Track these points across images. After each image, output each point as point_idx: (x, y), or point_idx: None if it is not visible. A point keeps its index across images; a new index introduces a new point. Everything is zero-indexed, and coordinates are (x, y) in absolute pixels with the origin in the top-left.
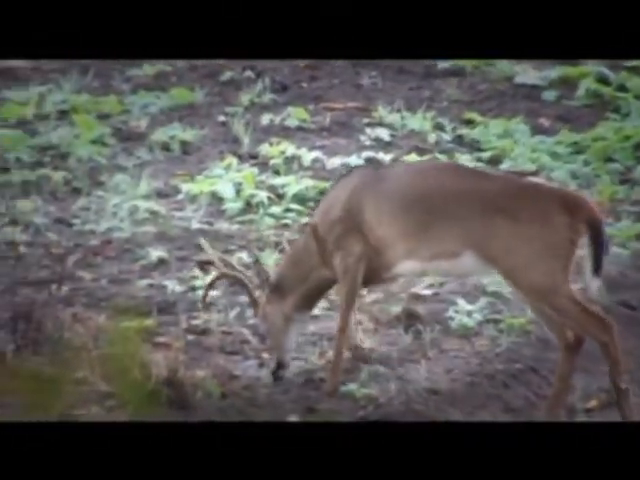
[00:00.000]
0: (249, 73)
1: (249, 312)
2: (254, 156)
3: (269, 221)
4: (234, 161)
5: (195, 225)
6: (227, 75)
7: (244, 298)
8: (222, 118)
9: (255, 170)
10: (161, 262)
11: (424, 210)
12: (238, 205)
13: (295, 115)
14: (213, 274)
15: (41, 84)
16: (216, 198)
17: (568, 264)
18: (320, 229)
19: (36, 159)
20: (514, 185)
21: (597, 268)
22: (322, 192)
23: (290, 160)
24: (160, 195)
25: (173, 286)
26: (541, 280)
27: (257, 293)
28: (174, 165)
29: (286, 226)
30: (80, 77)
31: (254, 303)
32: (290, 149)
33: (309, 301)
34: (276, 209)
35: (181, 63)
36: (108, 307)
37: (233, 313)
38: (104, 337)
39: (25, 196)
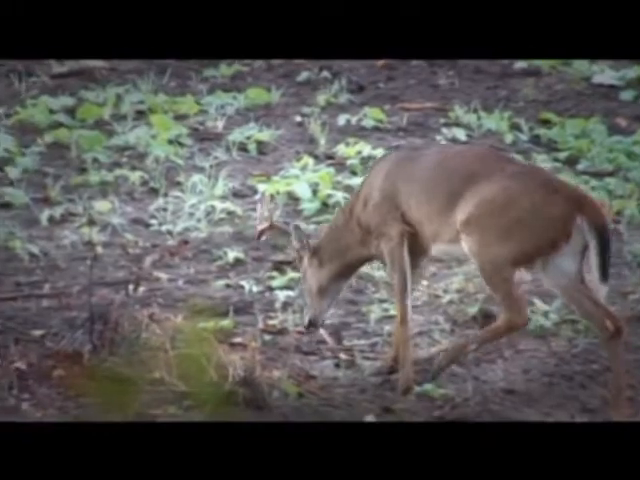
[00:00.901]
0: (325, 73)
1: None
2: (330, 156)
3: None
4: (310, 161)
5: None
6: (303, 75)
7: None
8: (298, 118)
9: (332, 170)
10: (238, 262)
11: (444, 192)
12: (315, 205)
13: (371, 115)
14: (264, 224)
15: (118, 85)
16: (293, 198)
17: (535, 259)
18: (362, 216)
19: (113, 160)
20: (528, 173)
21: (604, 274)
22: None
23: (366, 160)
24: (237, 195)
25: (250, 286)
26: (496, 254)
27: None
28: (251, 165)
29: None
30: (157, 78)
31: (297, 256)
32: (366, 149)
33: (344, 274)
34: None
35: (257, 63)
36: (185, 308)
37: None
38: (181, 338)
39: (103, 197)
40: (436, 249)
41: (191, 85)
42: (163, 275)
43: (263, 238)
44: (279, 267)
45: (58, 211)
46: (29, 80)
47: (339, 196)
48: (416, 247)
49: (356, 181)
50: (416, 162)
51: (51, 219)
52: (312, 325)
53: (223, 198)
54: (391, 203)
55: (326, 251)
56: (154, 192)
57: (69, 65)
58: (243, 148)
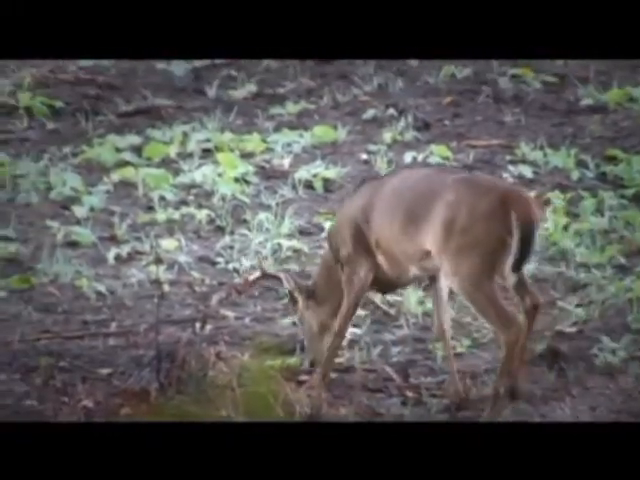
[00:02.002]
0: (391, 111)
1: (393, 349)
2: None
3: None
4: None
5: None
6: (370, 113)
7: (388, 336)
8: (364, 156)
9: None
10: None
11: (402, 213)
12: None
13: (438, 152)
14: (255, 274)
15: (185, 123)
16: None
17: (496, 261)
18: (333, 246)
19: (180, 198)
20: (461, 180)
21: (517, 266)
22: None
23: None
24: (303, 233)
25: None
26: (465, 273)
27: (297, 294)
28: (317, 203)
29: None
30: (223, 115)
31: (293, 300)
32: None
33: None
34: None
35: (324, 101)
36: (252, 345)
37: (376, 351)
38: (248, 375)
39: (169, 235)
40: (413, 269)
41: (257, 123)
42: (230, 313)
43: (253, 287)
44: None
45: (125, 249)
46: (95, 119)
47: None
48: (398, 273)
49: None
50: (381, 189)
51: (118, 257)
52: (313, 366)
53: (289, 236)
54: (362, 233)
55: (322, 289)
56: (220, 230)
57: (136, 104)
58: (309, 186)
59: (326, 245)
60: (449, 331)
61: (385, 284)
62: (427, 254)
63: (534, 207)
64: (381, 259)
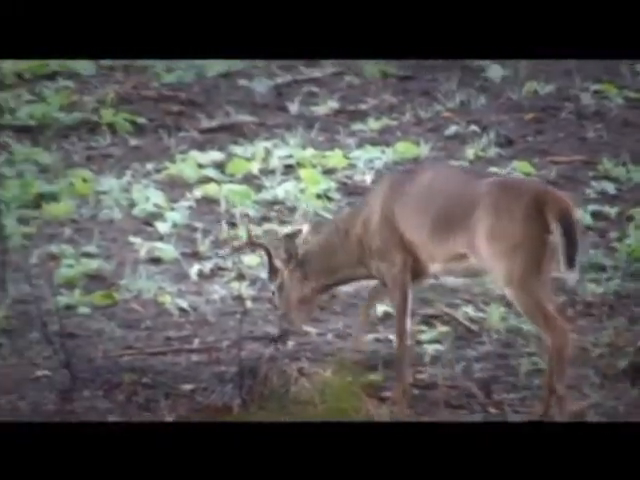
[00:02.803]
0: (474, 127)
1: (476, 366)
2: None
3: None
4: None
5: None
6: (452, 129)
7: (470, 352)
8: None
9: None
10: (387, 316)
11: (433, 215)
12: None
13: (520, 169)
14: (242, 241)
15: (267, 139)
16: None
17: (539, 261)
18: (363, 239)
19: (262, 214)
20: (496, 183)
21: (569, 261)
22: None
23: None
24: None
25: None
26: (511, 275)
27: (278, 263)
28: None
29: None
30: (306, 132)
31: (272, 270)
32: None
33: (331, 287)
34: None
35: (406, 117)
36: (334, 362)
37: (459, 367)
38: (330, 392)
39: (252, 251)
40: (434, 269)
41: (339, 139)
42: (312, 329)
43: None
44: (428, 321)
45: (207, 266)
46: (178, 135)
47: None
48: (416, 268)
49: None
50: (408, 185)
51: (201, 274)
52: (282, 337)
53: None
54: (391, 227)
55: (314, 265)
56: None
57: (218, 120)
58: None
59: (331, 229)
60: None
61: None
62: (460, 257)
63: (566, 202)
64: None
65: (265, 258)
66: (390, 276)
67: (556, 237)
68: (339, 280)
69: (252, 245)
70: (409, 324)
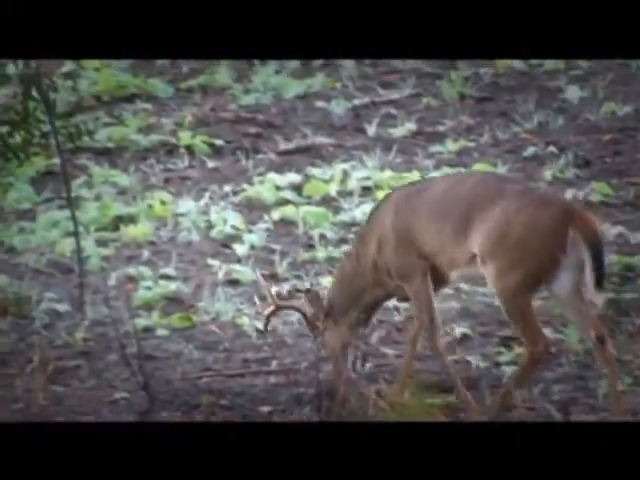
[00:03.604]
0: (552, 148)
1: (554, 388)
2: None
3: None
4: None
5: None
6: (530, 150)
7: (549, 373)
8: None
9: None
10: (465, 338)
11: (452, 220)
12: None
13: (598, 190)
14: (270, 307)
15: (344, 161)
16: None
17: (542, 278)
18: (378, 259)
19: (340, 236)
20: (521, 193)
21: (598, 282)
22: (626, 267)
23: None
24: None
25: (477, 362)
26: (508, 284)
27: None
28: None
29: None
30: (383, 154)
31: (312, 326)
32: None
33: (364, 319)
34: None
35: (484, 139)
36: (412, 383)
37: (537, 389)
38: (408, 413)
39: (329, 273)
40: (455, 275)
41: (417, 161)
42: (390, 351)
43: (270, 322)
44: (506, 343)
45: (285, 287)
46: (256, 157)
47: None
48: (436, 278)
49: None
50: (421, 196)
51: (279, 295)
52: (331, 396)
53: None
54: (407, 242)
55: (339, 305)
56: None
57: (296, 142)
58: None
59: (342, 261)
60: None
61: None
62: (472, 258)
63: (594, 222)
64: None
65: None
66: (413, 292)
67: (583, 256)
68: (365, 308)
69: (282, 308)
70: (440, 338)
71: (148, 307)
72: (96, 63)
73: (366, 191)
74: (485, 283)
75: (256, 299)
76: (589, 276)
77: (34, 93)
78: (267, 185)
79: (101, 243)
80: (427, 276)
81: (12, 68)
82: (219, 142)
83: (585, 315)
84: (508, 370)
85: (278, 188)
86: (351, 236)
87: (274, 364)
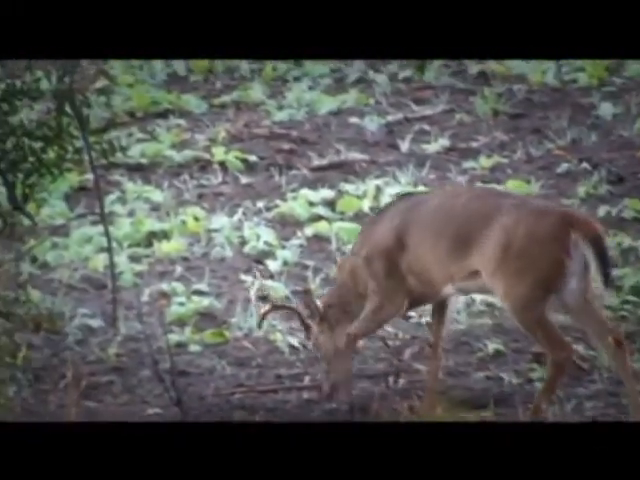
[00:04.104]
0: (585, 165)
1: (586, 404)
2: None
3: (606, 313)
4: None
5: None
6: (563, 167)
7: (581, 390)
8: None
9: None
10: (498, 354)
11: (449, 235)
12: None
13: (632, 206)
14: (266, 306)
15: (378, 177)
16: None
17: (551, 285)
18: (362, 274)
19: None
20: (519, 204)
21: (606, 280)
22: None
23: (627, 252)
24: None
25: (510, 378)
26: (517, 296)
27: (309, 320)
28: None
29: (624, 318)
30: (416, 169)
31: (306, 328)
32: (627, 241)
33: None
34: (613, 301)
35: (517, 155)
36: (445, 399)
37: (570, 405)
38: None
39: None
40: (450, 289)
41: (450, 177)
42: (423, 367)
43: (264, 319)
44: (539, 359)
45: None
46: (289, 173)
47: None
48: (428, 292)
49: (616, 273)
50: (415, 210)
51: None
52: (335, 390)
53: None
54: (394, 263)
55: (336, 311)
56: None
57: (329, 158)
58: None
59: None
60: (441, 351)
61: (409, 303)
62: (474, 274)
63: (594, 223)
64: (412, 280)
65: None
66: (382, 307)
67: (588, 258)
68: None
69: (278, 308)
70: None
71: (181, 323)
72: (130, 79)
73: None
74: (481, 294)
75: (253, 297)
76: (597, 275)
77: (67, 109)
78: (300, 201)
79: (134, 259)
80: (406, 298)
81: (46, 84)
82: (252, 158)
83: (600, 322)
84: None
85: (311, 204)
86: None
87: (307, 380)
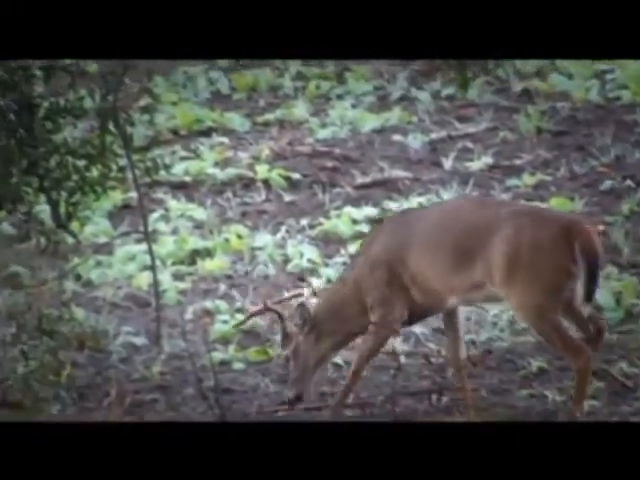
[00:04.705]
0: (629, 182)
1: (631, 421)
2: (635, 265)
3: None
4: (614, 270)
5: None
6: (607, 184)
7: (626, 408)
8: (601, 227)
9: (635, 279)
10: (541, 372)
11: (450, 247)
12: (618, 315)
13: None
14: (257, 307)
15: (421, 194)
16: (597, 308)
17: (560, 292)
18: (364, 285)
19: None
20: (520, 212)
21: (588, 296)
22: None
23: None
24: None
25: (553, 396)
26: (531, 304)
27: (292, 329)
28: None
29: None
30: (460, 187)
31: (286, 336)
32: None
33: (344, 344)
34: None
35: (560, 173)
36: (488, 417)
37: (614, 419)
38: None
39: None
40: (453, 300)
41: (494, 194)
42: (466, 385)
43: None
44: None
45: None
46: (332, 191)
47: None
48: (432, 304)
49: None
50: (414, 225)
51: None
52: (299, 399)
53: None
54: (394, 275)
55: (327, 324)
56: None
57: (372, 176)
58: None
59: (335, 285)
60: (463, 360)
61: (415, 315)
62: (478, 286)
63: (595, 236)
64: (415, 292)
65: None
66: (384, 321)
67: (578, 269)
68: (353, 333)
69: (267, 310)
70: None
71: (225, 341)
72: (173, 97)
73: None
74: (486, 304)
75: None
76: (581, 287)
77: (111, 127)
78: (344, 219)
79: (178, 277)
80: (406, 310)
81: (89, 102)
82: (296, 176)
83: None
84: (585, 404)
85: (355, 222)
86: None
87: (350, 398)
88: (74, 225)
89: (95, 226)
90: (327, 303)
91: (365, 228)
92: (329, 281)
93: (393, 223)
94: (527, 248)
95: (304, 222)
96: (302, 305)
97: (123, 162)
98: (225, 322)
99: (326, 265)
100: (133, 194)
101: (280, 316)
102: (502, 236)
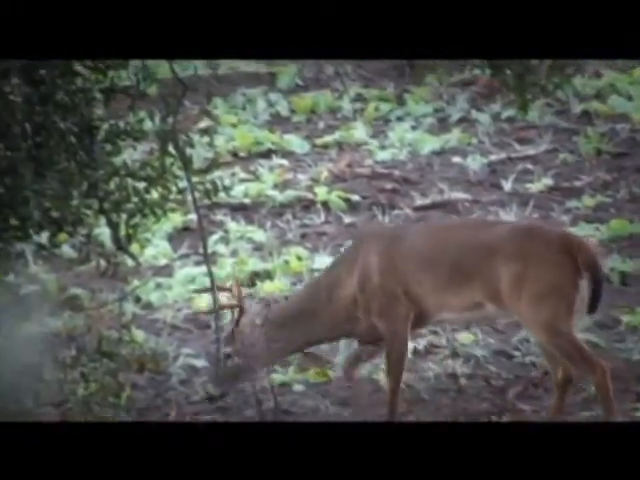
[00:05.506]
0: None
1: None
2: None
3: None
4: None
5: (636, 356)
6: None
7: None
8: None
9: None
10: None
11: (446, 264)
12: None
13: None
14: (232, 301)
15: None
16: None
17: (571, 305)
18: (360, 298)
19: None
20: (519, 230)
21: (592, 308)
22: None
23: None
24: (600, 326)
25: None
26: (544, 320)
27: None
28: (614, 296)
29: None
30: (519, 209)
31: (236, 330)
32: None
33: (297, 351)
34: None
35: (620, 194)
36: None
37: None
38: None
39: (466, 328)
40: (441, 317)
41: (554, 216)
42: (527, 407)
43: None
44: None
45: (421, 343)
46: (392, 213)
47: None
48: (417, 319)
49: None
50: (408, 239)
51: (415, 351)
52: (236, 379)
53: (586, 330)
54: (393, 282)
55: (292, 328)
56: (517, 324)
57: (432, 198)
58: (607, 279)
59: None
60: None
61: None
62: (476, 306)
63: (593, 250)
64: (405, 301)
65: (234, 316)
66: (391, 331)
67: (583, 282)
68: (314, 342)
69: (240, 306)
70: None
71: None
72: (233, 119)
73: None
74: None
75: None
76: (586, 299)
77: (171, 149)
78: None
79: None
80: (409, 319)
81: (149, 124)
82: (355, 198)
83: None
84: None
85: None
86: None
87: (410, 419)
88: (134, 247)
89: (155, 248)
90: (297, 309)
91: None
92: None
93: (382, 237)
94: (533, 265)
95: None
96: (268, 305)
97: (183, 184)
98: None
99: None
100: (193, 216)
101: (241, 310)
102: (505, 255)
